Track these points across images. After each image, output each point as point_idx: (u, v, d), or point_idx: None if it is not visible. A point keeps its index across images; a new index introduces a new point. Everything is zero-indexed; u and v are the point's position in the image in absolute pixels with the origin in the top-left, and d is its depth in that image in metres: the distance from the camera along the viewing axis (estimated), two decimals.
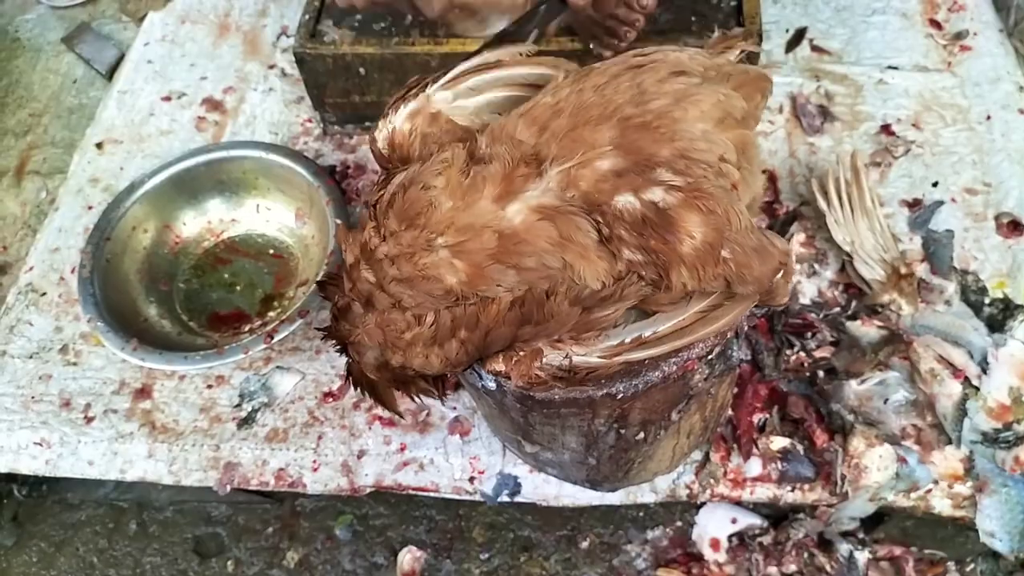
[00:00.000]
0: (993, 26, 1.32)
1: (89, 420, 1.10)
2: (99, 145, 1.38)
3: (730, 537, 1.11)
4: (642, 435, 0.80)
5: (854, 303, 1.07)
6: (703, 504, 1.12)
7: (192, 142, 1.36)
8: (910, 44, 1.33)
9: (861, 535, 1.10)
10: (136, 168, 1.33)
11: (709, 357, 0.73)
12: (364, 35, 1.21)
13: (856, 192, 1.11)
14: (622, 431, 0.78)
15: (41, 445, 1.09)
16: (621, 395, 0.70)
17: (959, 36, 1.32)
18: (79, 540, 1.20)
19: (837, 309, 1.07)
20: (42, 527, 1.21)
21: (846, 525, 1.04)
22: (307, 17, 1.23)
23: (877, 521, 1.09)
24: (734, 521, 1.11)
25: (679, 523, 1.14)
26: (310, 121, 1.36)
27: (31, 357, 1.16)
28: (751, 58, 1.12)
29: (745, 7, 1.14)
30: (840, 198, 1.10)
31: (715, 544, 1.11)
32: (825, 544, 1.09)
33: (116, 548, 1.19)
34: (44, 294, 1.21)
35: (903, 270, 1.06)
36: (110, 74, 1.54)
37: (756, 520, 1.10)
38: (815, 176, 1.17)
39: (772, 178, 1.21)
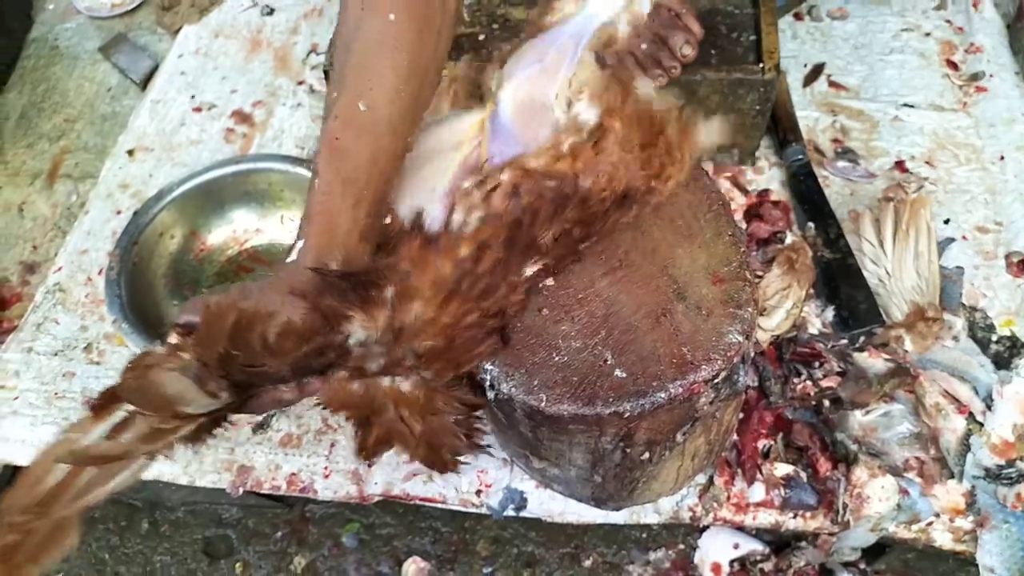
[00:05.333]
0: (1009, 69, 1.34)
1: None
2: (130, 152, 1.42)
3: (732, 562, 1.12)
4: (647, 455, 0.81)
5: (863, 336, 1.09)
6: (706, 528, 1.13)
7: (220, 152, 1.39)
8: (926, 83, 1.35)
9: (863, 566, 1.11)
10: (165, 175, 1.37)
11: (715, 381, 0.74)
12: None
13: (914, 233, 1.10)
14: (628, 450, 0.79)
15: None
16: (628, 414, 0.72)
17: (975, 77, 1.34)
18: (91, 536, 1.22)
19: (845, 340, 1.08)
20: None
21: (848, 555, 1.05)
22: None
23: (879, 552, 1.10)
24: (736, 546, 1.12)
25: (681, 546, 1.16)
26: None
27: (56, 354, 1.19)
28: (767, 88, 1.14)
29: (764, 42, 1.17)
30: (895, 235, 1.11)
31: (716, 569, 1.12)
32: (827, 574, 1.10)
33: (127, 546, 1.21)
34: (71, 294, 1.25)
35: (931, 313, 1.05)
36: (144, 84, 1.58)
37: (758, 546, 1.11)
38: (867, 207, 1.17)
39: (785, 209, 1.23)
